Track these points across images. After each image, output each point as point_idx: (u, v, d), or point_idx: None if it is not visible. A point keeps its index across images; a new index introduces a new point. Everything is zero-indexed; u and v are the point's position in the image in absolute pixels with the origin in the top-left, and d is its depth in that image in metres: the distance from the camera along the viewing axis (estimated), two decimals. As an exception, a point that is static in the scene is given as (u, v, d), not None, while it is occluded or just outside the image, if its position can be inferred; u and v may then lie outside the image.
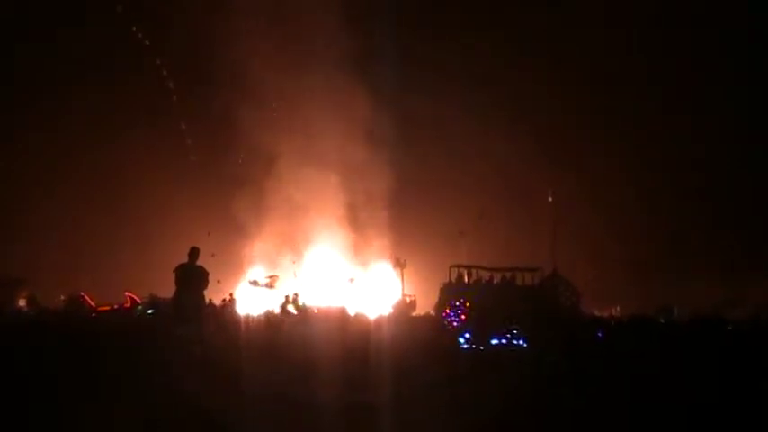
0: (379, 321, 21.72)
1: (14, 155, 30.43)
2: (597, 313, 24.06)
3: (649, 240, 32.71)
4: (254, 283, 27.84)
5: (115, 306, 22.87)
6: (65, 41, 30.26)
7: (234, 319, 21.29)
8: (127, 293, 23.24)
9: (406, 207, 30.69)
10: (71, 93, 30.93)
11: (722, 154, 32.21)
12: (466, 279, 19.85)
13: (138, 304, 22.24)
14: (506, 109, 31.90)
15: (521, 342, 16.65)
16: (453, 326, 18.03)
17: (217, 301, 21.63)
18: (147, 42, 30.65)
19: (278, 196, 30.00)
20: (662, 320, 20.76)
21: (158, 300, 22.10)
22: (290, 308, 20.26)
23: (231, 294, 24.78)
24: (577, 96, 32.85)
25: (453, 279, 19.78)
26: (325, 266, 30.26)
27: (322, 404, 7.77)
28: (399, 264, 29.80)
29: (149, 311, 21.49)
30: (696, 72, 32.50)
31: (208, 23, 28.96)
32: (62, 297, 24.20)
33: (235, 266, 29.04)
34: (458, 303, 18.37)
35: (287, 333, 18.74)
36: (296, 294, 21.23)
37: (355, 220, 30.79)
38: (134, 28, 30.52)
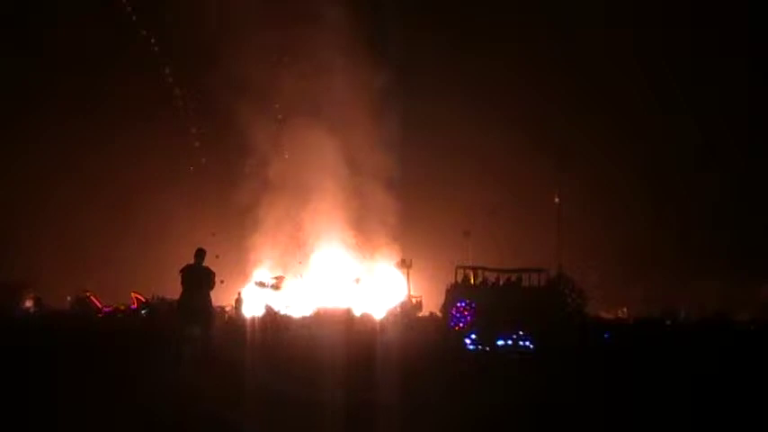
0: (384, 322, 21.81)
1: (15, 155, 30.38)
2: (604, 315, 24.15)
3: (650, 240, 32.79)
4: (261, 284, 27.85)
5: (122, 307, 22.95)
6: (66, 41, 30.19)
7: (240, 318, 21.41)
8: (133, 294, 23.32)
9: (411, 207, 30.74)
10: (73, 93, 30.90)
11: (722, 154, 32.35)
12: (472, 280, 19.89)
13: (145, 305, 22.34)
14: (510, 109, 31.94)
15: (527, 343, 16.69)
16: (459, 327, 18.06)
17: (223, 303, 21.73)
18: (153, 43, 30.60)
19: (282, 197, 30.05)
20: (668, 323, 20.84)
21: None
22: None
23: (240, 293, 24.85)
24: (578, 96, 32.93)
25: (459, 280, 19.80)
26: (330, 267, 30.27)
27: (327, 403, 7.81)
28: (405, 264, 29.75)
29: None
30: (695, 72, 32.62)
31: (210, 22, 28.95)
32: (68, 298, 24.23)
33: (239, 267, 29.09)
34: (464, 304, 18.39)
35: (292, 334, 18.85)
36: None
37: (361, 221, 30.84)
38: (138, 29, 30.50)
